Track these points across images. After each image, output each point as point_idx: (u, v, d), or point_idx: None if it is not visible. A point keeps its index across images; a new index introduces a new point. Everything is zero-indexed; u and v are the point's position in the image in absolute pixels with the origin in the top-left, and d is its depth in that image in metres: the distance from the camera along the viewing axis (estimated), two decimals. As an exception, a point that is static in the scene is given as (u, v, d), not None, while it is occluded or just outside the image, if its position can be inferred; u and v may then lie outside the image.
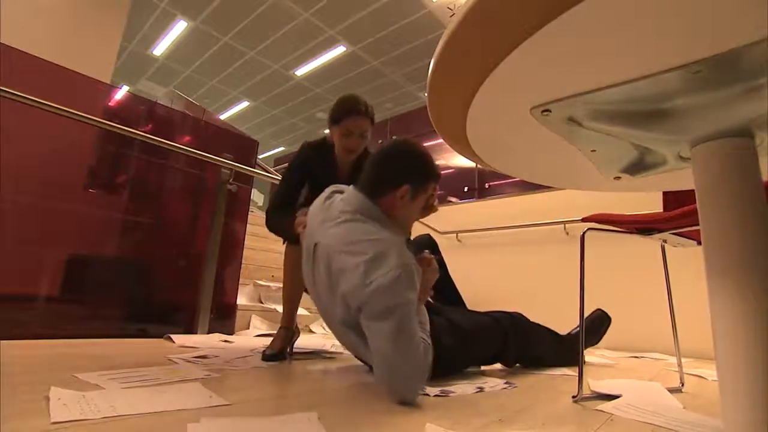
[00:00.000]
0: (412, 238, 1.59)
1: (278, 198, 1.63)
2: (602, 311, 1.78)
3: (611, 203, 2.41)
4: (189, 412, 0.76)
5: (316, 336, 2.56)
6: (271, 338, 1.58)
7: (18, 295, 1.84)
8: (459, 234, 3.77)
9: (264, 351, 1.48)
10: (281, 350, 1.50)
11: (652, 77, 0.46)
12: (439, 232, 3.64)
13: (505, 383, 1.22)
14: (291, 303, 1.63)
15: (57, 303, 1.97)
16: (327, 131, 1.69)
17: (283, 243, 1.64)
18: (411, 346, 0.98)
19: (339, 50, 6.37)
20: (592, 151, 0.68)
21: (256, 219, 4.66)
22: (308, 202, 1.39)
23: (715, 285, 0.54)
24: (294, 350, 1.71)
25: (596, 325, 1.76)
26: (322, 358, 1.62)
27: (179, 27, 6.10)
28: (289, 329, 1.59)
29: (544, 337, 1.56)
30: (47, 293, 1.94)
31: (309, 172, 1.64)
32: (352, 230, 1.12)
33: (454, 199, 5.26)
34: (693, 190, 0.62)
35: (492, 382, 1.23)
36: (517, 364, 1.53)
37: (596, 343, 1.78)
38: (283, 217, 1.49)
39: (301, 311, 2.80)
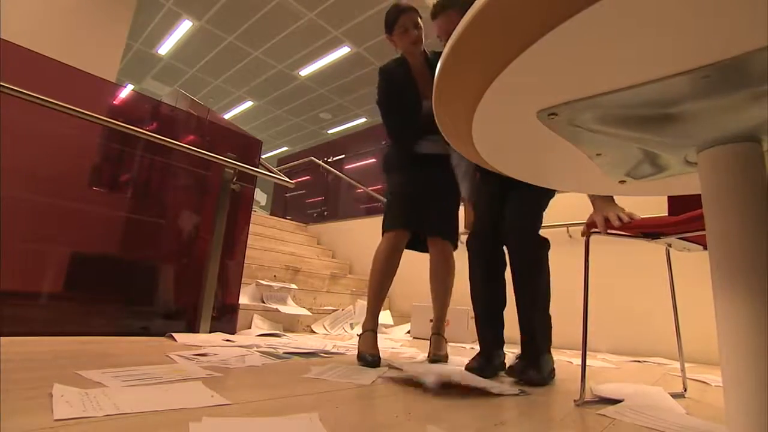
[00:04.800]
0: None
1: (396, 121, 1.77)
2: None
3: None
4: (191, 411, 0.76)
5: (317, 336, 2.56)
6: (272, 337, 1.59)
7: (21, 292, 1.85)
8: (461, 236, 3.76)
9: (364, 356, 1.51)
10: (378, 355, 1.52)
11: (661, 81, 0.46)
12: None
13: (510, 387, 1.22)
14: (380, 301, 1.67)
15: (60, 300, 1.98)
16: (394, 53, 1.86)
17: (383, 232, 1.72)
18: None
19: (344, 51, 6.37)
20: (597, 154, 0.67)
21: (259, 218, 4.70)
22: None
23: (721, 290, 0.54)
24: (294, 350, 1.71)
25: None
26: (323, 358, 1.62)
27: (184, 26, 6.11)
28: (376, 332, 1.62)
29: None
30: (51, 290, 1.95)
31: (396, 92, 1.76)
32: None
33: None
34: (698, 195, 0.62)
35: (496, 386, 1.22)
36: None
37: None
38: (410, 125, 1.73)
39: (301, 311, 2.81)
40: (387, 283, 1.68)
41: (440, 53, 1.88)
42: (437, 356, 1.71)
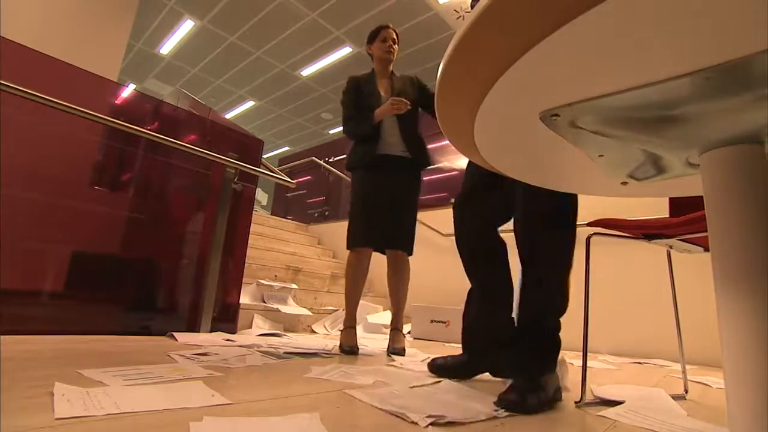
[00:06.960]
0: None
1: (350, 112, 2.05)
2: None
3: (613, 207, 2.40)
4: (191, 411, 0.76)
5: (318, 336, 2.56)
6: (272, 337, 1.60)
7: (23, 291, 1.85)
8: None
9: (344, 347, 1.84)
10: (356, 345, 1.88)
11: (663, 83, 0.46)
12: (442, 234, 3.63)
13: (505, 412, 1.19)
14: (355, 304, 2.00)
15: (61, 299, 1.98)
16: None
17: (348, 248, 1.98)
18: None
19: (345, 51, 6.39)
20: (599, 155, 0.67)
21: (260, 218, 4.71)
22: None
23: (723, 291, 0.54)
24: (295, 350, 1.72)
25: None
26: (323, 358, 1.62)
27: (186, 26, 6.13)
28: (354, 327, 1.97)
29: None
30: (52, 289, 1.95)
31: (359, 93, 2.07)
32: None
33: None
34: (699, 197, 0.62)
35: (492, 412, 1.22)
36: None
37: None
38: (362, 120, 1.98)
39: (302, 311, 2.81)
40: (359, 290, 2.02)
41: (404, 77, 2.16)
42: (395, 349, 1.94)
